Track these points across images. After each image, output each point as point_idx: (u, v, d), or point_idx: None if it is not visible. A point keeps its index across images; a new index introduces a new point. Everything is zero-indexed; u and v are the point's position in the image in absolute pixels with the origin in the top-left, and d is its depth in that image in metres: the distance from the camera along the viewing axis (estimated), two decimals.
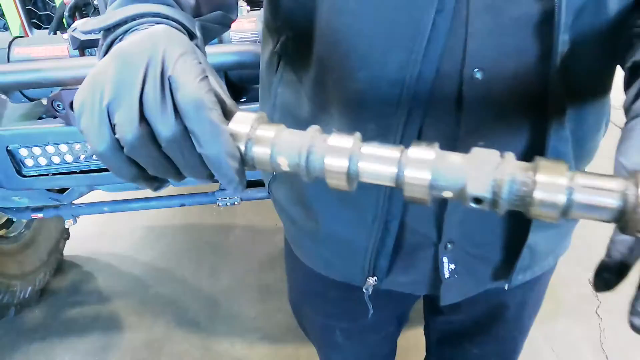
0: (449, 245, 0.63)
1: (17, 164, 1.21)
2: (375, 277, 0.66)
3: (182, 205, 1.77)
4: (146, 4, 0.42)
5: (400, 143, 0.55)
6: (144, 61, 0.34)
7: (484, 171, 0.33)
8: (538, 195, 0.32)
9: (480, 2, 0.46)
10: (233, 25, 1.10)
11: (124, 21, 0.41)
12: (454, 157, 0.35)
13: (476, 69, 0.49)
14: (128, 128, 0.34)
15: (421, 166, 0.34)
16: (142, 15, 0.41)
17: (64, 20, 1.25)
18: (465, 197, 0.33)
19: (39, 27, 1.32)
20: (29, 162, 1.20)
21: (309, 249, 0.74)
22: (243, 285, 2.14)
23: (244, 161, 0.38)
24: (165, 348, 1.87)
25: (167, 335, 1.93)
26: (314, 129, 0.38)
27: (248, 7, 1.15)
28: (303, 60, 0.59)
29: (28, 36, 1.29)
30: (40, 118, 1.25)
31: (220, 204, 1.74)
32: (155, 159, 0.36)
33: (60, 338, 1.94)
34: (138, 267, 2.29)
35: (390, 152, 0.36)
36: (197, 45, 0.44)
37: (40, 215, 1.68)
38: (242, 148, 0.37)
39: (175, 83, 0.34)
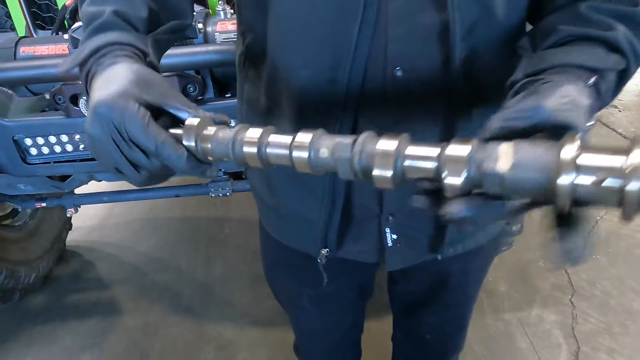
0: (390, 218, 0.73)
1: (23, 153, 1.31)
2: (327, 249, 0.76)
3: (177, 195, 1.88)
4: (106, 33, 0.55)
5: (338, 132, 0.66)
6: (108, 132, 0.49)
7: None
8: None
9: (397, 13, 0.57)
10: (219, 26, 1.22)
11: (91, 55, 0.55)
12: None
13: (397, 68, 0.60)
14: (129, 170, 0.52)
15: (304, 144, 0.47)
16: (104, 46, 0.54)
17: (66, 22, 1.35)
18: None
19: (42, 28, 1.42)
20: (33, 151, 1.31)
21: (275, 224, 0.85)
22: (236, 274, 2.24)
23: (196, 153, 0.52)
24: (160, 331, 1.98)
25: (162, 319, 2.03)
26: (239, 126, 0.51)
27: (232, 10, 1.25)
28: (261, 60, 0.69)
29: (33, 36, 1.40)
30: (43, 111, 1.36)
31: (212, 195, 1.84)
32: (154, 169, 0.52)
33: (61, 321, 2.05)
34: (136, 256, 2.40)
35: (285, 138, 0.49)
36: (150, 61, 0.58)
37: (43, 204, 1.79)
38: (193, 144, 0.51)
39: (129, 135, 0.49)
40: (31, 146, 1.30)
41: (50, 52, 1.25)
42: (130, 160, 0.50)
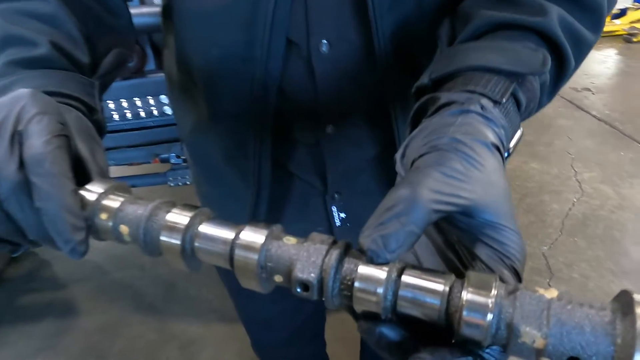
0: (336, 196, 0.66)
1: None
2: None
3: (133, 186, 1.76)
4: (44, 73, 0.44)
5: (258, 120, 0.58)
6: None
7: (312, 256, 0.32)
8: (357, 285, 0.30)
9: None
10: None
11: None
12: (286, 241, 0.34)
13: (322, 41, 0.53)
14: None
15: (252, 248, 0.34)
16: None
17: None
18: (293, 281, 0.32)
19: None
20: None
21: (209, 201, 0.75)
22: (202, 269, 2.11)
23: (90, 228, 0.37)
24: (120, 331, 1.85)
25: (122, 319, 1.91)
26: (159, 202, 0.37)
27: None
28: (171, 28, 0.61)
29: None
30: None
31: (171, 184, 1.73)
32: None
33: (13, 324, 1.91)
34: (95, 254, 2.26)
35: (226, 232, 0.35)
36: (97, 119, 0.46)
37: None
38: (88, 215, 0.37)
39: (24, 138, 0.34)
40: None
41: None
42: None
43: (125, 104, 1.21)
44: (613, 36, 4.55)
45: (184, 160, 1.66)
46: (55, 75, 0.45)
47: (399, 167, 0.36)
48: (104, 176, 0.41)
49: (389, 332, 0.30)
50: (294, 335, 0.94)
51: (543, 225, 2.27)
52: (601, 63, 4.17)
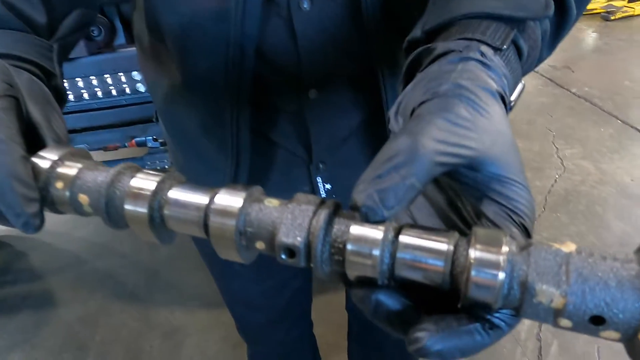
0: (321, 166, 0.63)
1: None
2: None
3: None
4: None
5: (235, 85, 0.54)
6: None
7: (297, 219, 0.28)
8: (350, 247, 0.27)
9: None
10: None
11: None
12: (268, 203, 0.30)
13: None
14: None
15: (228, 213, 0.30)
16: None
17: None
18: (277, 247, 0.29)
19: None
20: None
21: (186, 176, 0.71)
22: (183, 256, 2.08)
23: (45, 199, 0.33)
24: (101, 321, 1.80)
25: (103, 309, 1.86)
26: (122, 166, 0.33)
27: None
28: None
29: None
30: None
31: (149, 168, 1.67)
32: None
33: None
34: (73, 243, 2.19)
35: (199, 197, 0.31)
36: (56, 85, 0.43)
37: None
38: (42, 184, 0.33)
39: None
40: None
41: None
42: None
43: (95, 81, 1.15)
44: (591, 14, 4.56)
45: (162, 144, 1.60)
46: (6, 35, 0.41)
47: (393, 124, 0.32)
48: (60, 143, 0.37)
49: (387, 300, 0.27)
50: (279, 315, 0.91)
51: None
52: (580, 41, 4.19)
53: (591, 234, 2.06)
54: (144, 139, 1.51)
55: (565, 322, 0.23)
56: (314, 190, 0.65)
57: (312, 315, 1.09)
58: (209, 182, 0.65)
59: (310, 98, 0.57)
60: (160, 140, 1.57)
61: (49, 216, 0.35)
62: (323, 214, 0.28)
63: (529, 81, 3.49)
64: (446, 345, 0.24)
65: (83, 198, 0.33)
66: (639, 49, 3.91)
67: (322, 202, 0.29)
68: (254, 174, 0.62)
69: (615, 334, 0.23)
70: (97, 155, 1.73)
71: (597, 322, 0.23)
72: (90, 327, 1.78)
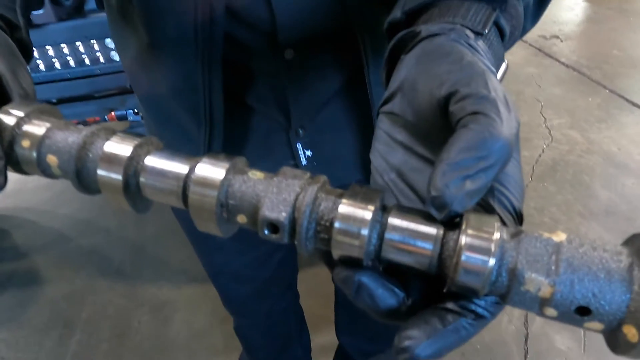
0: (301, 131, 0.61)
1: None
2: None
3: None
4: None
5: (206, 46, 0.50)
6: None
7: (283, 193, 0.27)
8: (338, 226, 0.25)
9: None
10: None
11: None
12: (252, 175, 0.28)
13: None
14: None
15: (210, 184, 0.28)
16: None
17: None
18: (259, 222, 0.27)
19: None
20: None
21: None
22: (170, 231, 2.05)
23: (9, 158, 0.31)
24: (88, 299, 1.79)
25: (89, 286, 1.84)
26: (96, 127, 0.31)
27: None
28: None
29: None
30: None
31: None
32: None
33: None
34: (58, 220, 2.16)
35: (179, 165, 0.29)
36: (20, 38, 0.40)
37: None
38: (6, 142, 0.31)
39: None
40: None
41: None
42: None
43: (66, 49, 1.09)
44: None
45: (142, 117, 1.56)
46: None
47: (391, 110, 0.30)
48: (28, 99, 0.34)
49: (370, 282, 0.25)
50: (264, 287, 0.90)
51: None
52: (569, 10, 4.14)
53: (578, 202, 2.07)
54: (124, 112, 1.47)
55: (550, 312, 0.23)
56: (294, 158, 0.63)
57: (298, 287, 1.08)
58: (183, 151, 0.63)
59: (286, 59, 0.54)
60: (140, 114, 1.52)
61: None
62: (310, 190, 0.26)
63: (518, 52, 3.45)
64: (434, 349, 0.24)
65: (52, 159, 0.31)
66: (628, 18, 3.88)
67: (310, 177, 0.28)
68: (230, 141, 0.59)
69: (599, 325, 0.23)
70: None
71: (583, 312, 0.23)
72: (77, 304, 1.77)
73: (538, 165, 2.31)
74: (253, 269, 0.84)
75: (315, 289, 1.56)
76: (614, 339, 0.23)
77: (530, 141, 2.48)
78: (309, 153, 0.63)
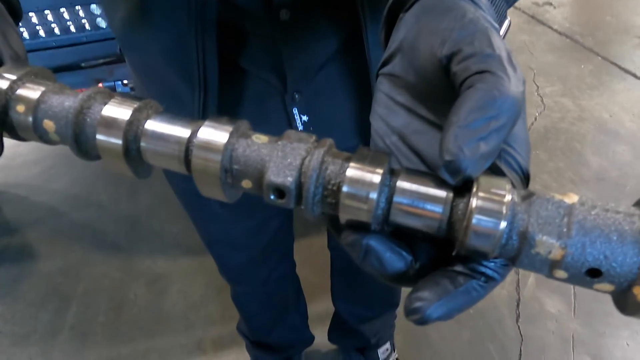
0: (297, 95, 0.60)
1: None
2: None
3: None
4: None
5: (198, 6, 0.48)
6: None
7: (288, 157, 0.26)
8: (346, 190, 0.25)
9: None
10: None
11: None
12: (256, 139, 0.27)
13: None
14: None
15: (213, 148, 0.27)
16: None
17: None
18: (265, 187, 0.26)
19: None
20: None
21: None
22: (164, 204, 2.05)
23: (4, 124, 0.30)
24: (83, 273, 1.79)
25: (84, 260, 1.84)
26: (93, 90, 0.30)
27: None
28: None
29: None
30: None
31: None
32: None
33: None
34: (49, 195, 2.14)
35: (180, 129, 0.28)
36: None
37: None
38: (0, 108, 0.30)
39: None
40: None
41: None
42: None
43: (50, 16, 1.06)
44: None
45: (132, 89, 1.53)
46: None
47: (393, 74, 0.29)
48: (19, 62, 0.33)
49: (378, 246, 0.25)
50: (260, 255, 0.90)
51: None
52: None
53: (569, 170, 2.08)
54: (112, 83, 1.44)
55: (561, 274, 0.23)
56: (290, 123, 0.62)
57: (295, 257, 1.09)
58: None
59: (281, 19, 0.53)
60: (130, 85, 1.49)
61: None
62: (316, 153, 0.26)
63: (511, 19, 3.41)
64: (445, 310, 0.24)
65: (48, 124, 0.30)
66: None
67: (316, 140, 0.27)
68: (224, 107, 0.58)
69: (609, 287, 0.23)
70: None
71: (594, 274, 0.22)
72: (72, 278, 1.77)
73: (530, 133, 2.31)
74: (249, 236, 0.84)
75: (310, 259, 1.57)
76: (623, 299, 0.23)
77: None
78: (305, 118, 0.62)
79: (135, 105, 0.29)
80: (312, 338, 1.34)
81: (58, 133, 0.30)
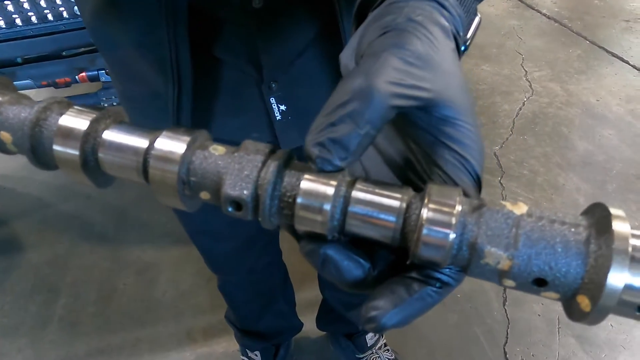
0: (274, 85, 0.59)
1: None
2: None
3: None
4: None
5: (169, 1, 0.47)
6: None
7: (245, 169, 0.26)
8: (300, 202, 0.25)
9: None
10: None
11: None
12: (213, 150, 0.27)
13: None
14: None
15: (170, 160, 0.26)
16: None
17: None
18: (222, 199, 0.26)
19: None
20: None
21: (130, 104, 0.66)
22: (151, 194, 2.03)
23: None
24: (71, 263, 1.78)
25: (72, 250, 1.83)
26: (49, 101, 0.29)
27: None
28: None
29: None
30: None
31: (105, 104, 1.59)
32: None
33: None
34: (35, 187, 2.12)
35: (138, 140, 0.28)
36: None
37: None
38: None
39: None
40: None
41: None
42: None
43: (27, 4, 1.04)
44: None
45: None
46: None
47: (347, 65, 0.30)
48: None
49: (335, 255, 0.25)
50: (246, 243, 0.90)
51: (494, 126, 2.29)
52: None
53: (557, 154, 2.10)
54: (95, 72, 1.42)
55: (509, 283, 0.24)
56: (268, 113, 0.61)
57: (281, 245, 1.09)
58: (152, 110, 0.61)
59: (254, 7, 0.52)
60: None
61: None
62: (272, 166, 0.26)
63: (500, 4, 3.40)
64: (401, 317, 0.24)
65: (5, 136, 0.29)
66: None
67: (272, 151, 0.27)
68: (200, 97, 0.57)
69: (555, 295, 0.23)
70: (48, 93, 1.62)
71: (540, 284, 0.23)
72: (60, 269, 1.76)
73: (518, 119, 2.32)
74: (232, 227, 0.84)
75: (297, 247, 1.56)
76: (569, 307, 0.24)
77: (511, 94, 2.49)
78: (283, 107, 0.61)
79: (93, 116, 0.28)
80: (300, 325, 1.34)
81: (15, 144, 0.29)
